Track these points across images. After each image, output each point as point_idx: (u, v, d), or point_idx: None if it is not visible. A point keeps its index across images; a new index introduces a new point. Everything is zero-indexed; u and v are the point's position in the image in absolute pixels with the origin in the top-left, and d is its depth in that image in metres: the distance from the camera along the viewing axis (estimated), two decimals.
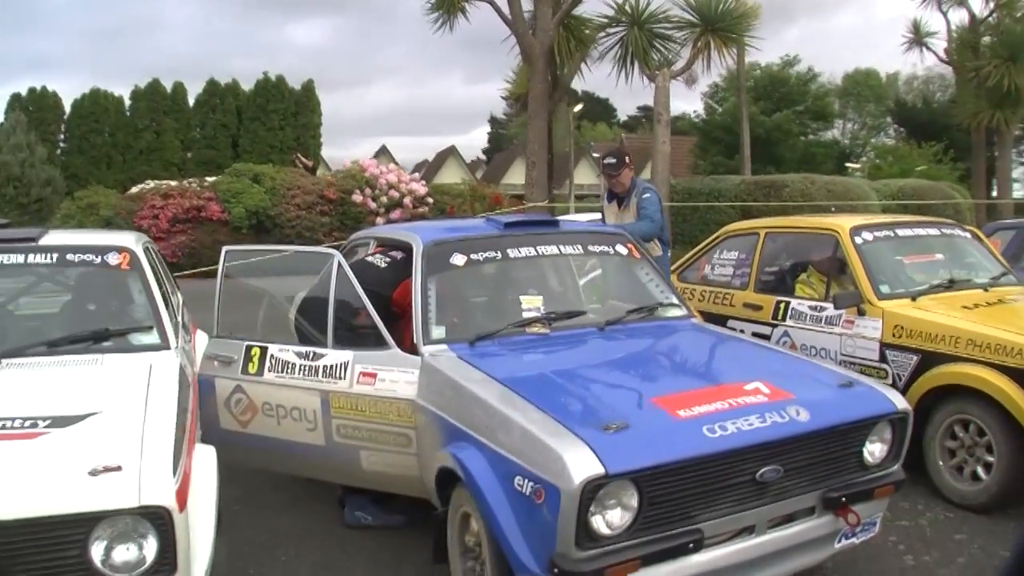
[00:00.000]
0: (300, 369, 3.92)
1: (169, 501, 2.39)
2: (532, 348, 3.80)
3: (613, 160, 6.25)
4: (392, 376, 3.70)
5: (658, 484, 2.80)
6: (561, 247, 4.52)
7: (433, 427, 3.47)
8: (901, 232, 5.80)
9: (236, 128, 32.39)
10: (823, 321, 5.40)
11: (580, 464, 2.66)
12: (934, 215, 9.20)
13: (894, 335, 4.95)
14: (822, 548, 3.37)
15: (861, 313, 5.15)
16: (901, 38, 23.74)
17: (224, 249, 4.35)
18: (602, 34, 13.69)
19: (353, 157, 18.67)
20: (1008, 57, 18.53)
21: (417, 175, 18.90)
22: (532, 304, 4.10)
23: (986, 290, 5.38)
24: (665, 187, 11.50)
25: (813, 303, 5.54)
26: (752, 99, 38.93)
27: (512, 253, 4.24)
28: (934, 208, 14.68)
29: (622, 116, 62.15)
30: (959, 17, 22.28)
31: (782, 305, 5.76)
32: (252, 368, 4.04)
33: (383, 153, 42.70)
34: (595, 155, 43.34)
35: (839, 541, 3.39)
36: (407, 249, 4.32)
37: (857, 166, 41.07)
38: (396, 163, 24.87)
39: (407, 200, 16.69)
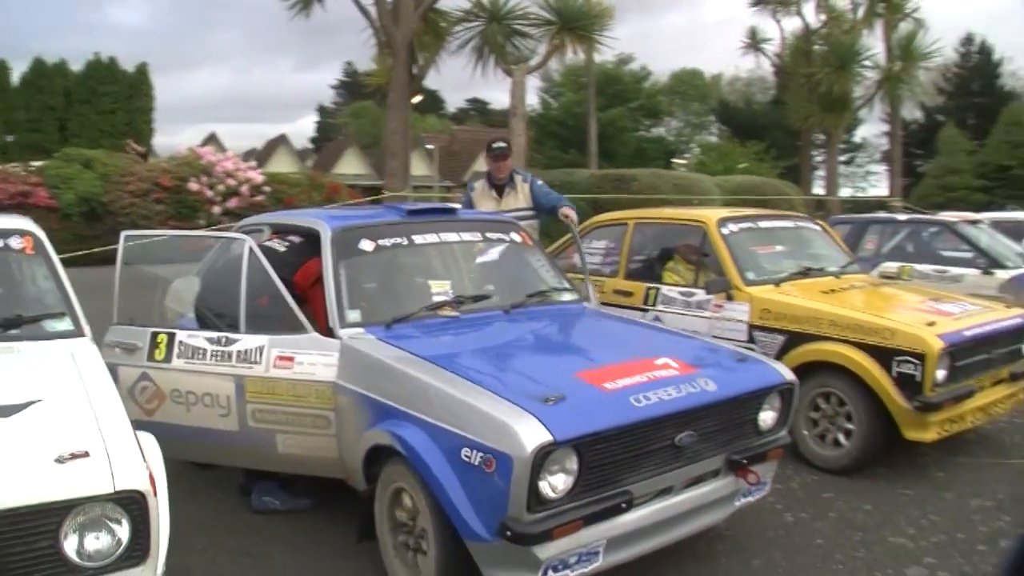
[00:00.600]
0: (212, 355, 3.86)
1: (144, 485, 2.34)
2: (447, 330, 3.90)
3: (504, 145, 6.38)
4: (311, 359, 3.71)
5: (595, 450, 2.98)
6: (461, 234, 4.64)
7: (358, 407, 3.51)
8: (762, 224, 6.28)
9: (64, 111, 30.47)
10: (693, 305, 5.77)
11: (530, 433, 2.80)
12: (771, 208, 9.91)
13: (761, 317, 5.37)
14: (726, 506, 3.67)
15: (730, 298, 5.55)
16: (738, 42, 25.33)
17: (123, 234, 4.21)
18: (459, 28, 13.93)
19: (179, 144, 17.98)
20: (838, 65, 20.09)
21: (253, 163, 18.39)
22: (441, 288, 4.21)
23: (837, 277, 5.93)
24: None
25: (683, 289, 5.91)
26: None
27: (417, 239, 4.33)
28: (770, 203, 15.74)
29: (451, 108, 62.59)
30: (792, 25, 24.07)
31: (652, 291, 6.10)
32: (159, 355, 3.94)
33: (213, 140, 41.11)
34: (428, 146, 43.46)
35: (739, 499, 3.71)
36: (307, 234, 4.33)
37: (683, 162, 43.19)
38: (226, 151, 24.10)
39: (244, 188, 16.26)
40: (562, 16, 13.36)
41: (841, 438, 4.98)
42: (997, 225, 8.74)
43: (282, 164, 40.02)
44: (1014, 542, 1.61)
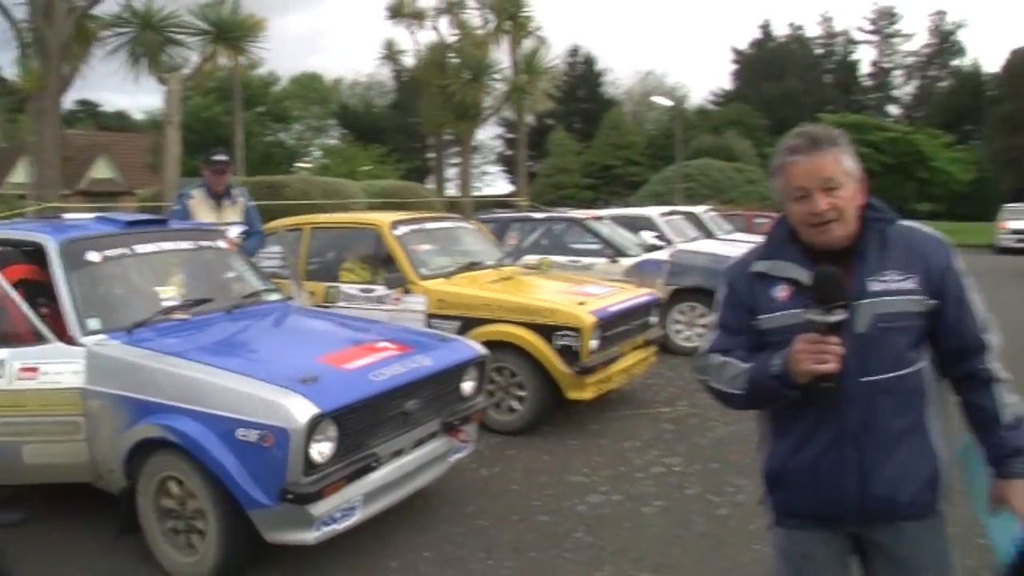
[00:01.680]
0: None
1: None
2: (185, 330, 4.21)
3: (224, 158, 6.45)
4: (56, 368, 3.85)
5: (349, 419, 3.58)
6: (177, 243, 4.91)
7: (114, 409, 3.74)
8: (427, 226, 7.17)
9: None
10: (374, 300, 6.47)
11: (301, 408, 3.34)
12: (413, 210, 10.89)
13: (438, 307, 6.22)
14: (443, 462, 4.44)
15: (407, 292, 6.33)
16: (360, 47, 26.75)
17: None
18: (109, 33, 13.27)
19: None
20: (472, 77, 21.85)
21: None
22: (168, 294, 4.50)
23: (496, 269, 6.95)
24: (174, 188, 11.65)
25: (363, 286, 6.58)
26: (216, 100, 39.20)
27: (139, 249, 4.57)
28: (411, 204, 16.83)
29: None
30: (426, 38, 25.59)
31: (332, 290, 6.72)
32: None
33: None
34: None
35: (452, 455, 4.50)
36: (20, 245, 4.42)
37: (308, 165, 43.59)
38: None
39: None
40: (217, 26, 13.37)
41: (515, 404, 5.98)
42: (617, 220, 10.46)
43: None
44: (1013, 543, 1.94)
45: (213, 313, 4.52)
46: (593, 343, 5.84)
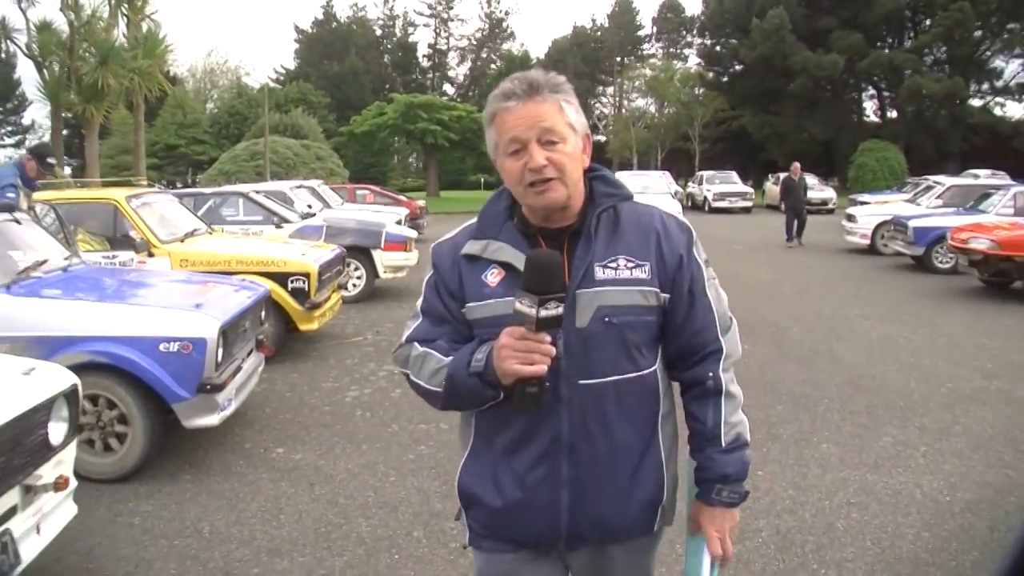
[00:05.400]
0: None
1: None
2: (53, 283, 5.00)
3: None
4: None
5: (226, 332, 4.82)
6: None
7: (26, 349, 4.46)
8: (147, 200, 8.04)
9: None
10: (119, 265, 7.29)
11: (209, 323, 4.63)
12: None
13: (182, 265, 7.27)
14: (257, 374, 5.77)
15: (151, 255, 7.29)
16: None
17: None
18: None
19: None
20: (101, 60, 21.05)
21: None
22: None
23: (209, 234, 8.12)
24: None
25: (105, 254, 7.36)
26: None
27: None
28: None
29: None
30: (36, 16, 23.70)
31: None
32: None
33: None
34: None
35: (260, 368, 5.84)
36: None
37: None
38: None
39: None
40: None
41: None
42: (267, 195, 11.79)
43: None
44: (1013, 543, 1.25)
45: (52, 271, 5.27)
46: (316, 285, 7.39)
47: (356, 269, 10.64)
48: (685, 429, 1.83)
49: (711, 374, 1.77)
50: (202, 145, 49.81)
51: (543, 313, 1.52)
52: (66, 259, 5.66)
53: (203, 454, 5.10)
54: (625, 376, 1.71)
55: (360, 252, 10.61)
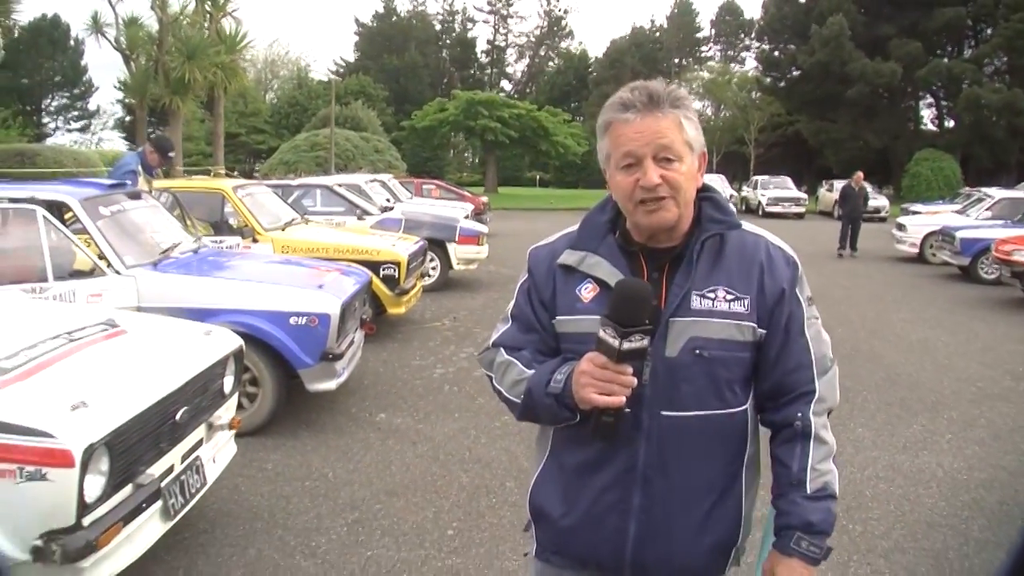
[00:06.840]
0: None
1: None
2: (192, 264, 5.84)
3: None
4: (115, 292, 5.38)
5: (345, 309, 5.60)
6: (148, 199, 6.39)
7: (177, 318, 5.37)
8: (256, 189, 8.91)
9: None
10: (226, 249, 8.14)
11: (333, 301, 5.38)
12: None
13: (283, 250, 8.09)
14: (360, 347, 6.59)
15: (256, 241, 8.13)
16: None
17: None
18: None
19: None
20: (189, 55, 22.22)
21: None
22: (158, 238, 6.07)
23: (307, 223, 8.97)
24: None
25: (214, 238, 8.20)
26: None
27: (127, 205, 6.04)
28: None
29: None
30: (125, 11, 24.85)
31: None
32: None
33: None
34: None
35: (362, 340, 6.65)
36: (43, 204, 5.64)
37: None
38: None
39: None
40: None
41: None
42: (346, 188, 12.63)
43: None
44: (1013, 543, 1.34)
45: (186, 252, 6.09)
46: (406, 273, 8.20)
47: (431, 260, 11.42)
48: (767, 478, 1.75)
49: (800, 415, 1.68)
50: (262, 134, 51.23)
51: (626, 346, 1.47)
52: (195, 241, 6.51)
53: (316, 415, 5.86)
54: (711, 412, 1.64)
55: (435, 244, 11.35)
